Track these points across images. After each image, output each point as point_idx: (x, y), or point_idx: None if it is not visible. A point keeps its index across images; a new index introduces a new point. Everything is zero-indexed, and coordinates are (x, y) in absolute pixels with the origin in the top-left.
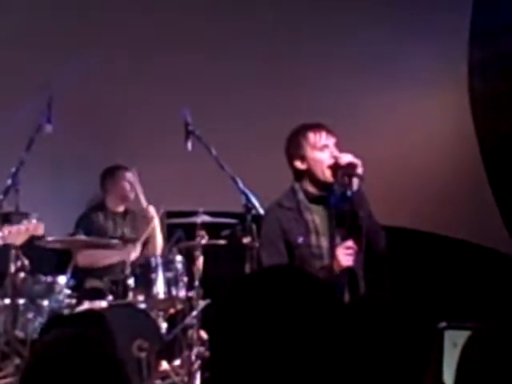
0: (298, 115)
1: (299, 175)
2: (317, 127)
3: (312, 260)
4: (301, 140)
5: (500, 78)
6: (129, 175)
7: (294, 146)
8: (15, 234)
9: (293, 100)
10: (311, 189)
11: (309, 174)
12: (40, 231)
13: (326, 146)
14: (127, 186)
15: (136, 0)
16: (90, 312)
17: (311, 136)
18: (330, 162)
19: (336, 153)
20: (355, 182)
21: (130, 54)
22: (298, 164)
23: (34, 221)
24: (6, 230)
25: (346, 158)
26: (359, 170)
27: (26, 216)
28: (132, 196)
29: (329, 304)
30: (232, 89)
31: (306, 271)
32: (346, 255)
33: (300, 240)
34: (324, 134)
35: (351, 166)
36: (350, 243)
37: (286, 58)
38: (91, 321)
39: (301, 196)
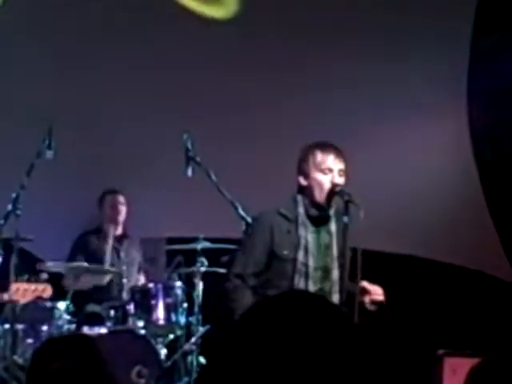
0: (298, 140)
1: (301, 190)
2: (327, 148)
3: (295, 276)
4: (308, 157)
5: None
6: (116, 198)
7: (301, 161)
8: (22, 292)
9: (294, 125)
10: (309, 207)
11: (308, 192)
12: (47, 293)
13: (330, 170)
14: (113, 210)
15: (136, 22)
16: (80, 338)
17: (318, 156)
18: (328, 186)
19: (336, 179)
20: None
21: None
22: (301, 179)
23: (44, 283)
24: (15, 287)
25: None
26: (357, 199)
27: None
28: (120, 219)
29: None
30: (232, 113)
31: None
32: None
33: (285, 253)
34: (332, 157)
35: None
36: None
37: (289, 85)
38: (83, 347)
39: (301, 209)
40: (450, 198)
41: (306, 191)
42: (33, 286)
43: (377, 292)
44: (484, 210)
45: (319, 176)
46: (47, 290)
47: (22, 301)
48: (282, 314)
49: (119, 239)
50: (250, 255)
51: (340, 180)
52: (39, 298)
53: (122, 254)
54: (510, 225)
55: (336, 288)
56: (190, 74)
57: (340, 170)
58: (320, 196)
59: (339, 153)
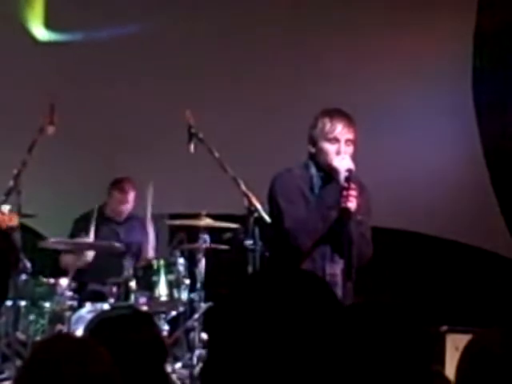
0: (299, 114)
1: (311, 157)
2: (336, 117)
3: None
4: (318, 125)
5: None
6: (125, 198)
7: (311, 128)
8: None
9: (295, 100)
10: (321, 171)
11: (315, 160)
12: (14, 222)
13: (336, 139)
14: (119, 203)
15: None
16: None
17: (327, 125)
18: (332, 158)
19: (342, 149)
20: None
21: (130, 57)
22: (310, 147)
23: (6, 211)
24: None
25: (342, 164)
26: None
27: (28, 217)
28: (125, 210)
29: (330, 306)
30: (234, 88)
31: (309, 272)
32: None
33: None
34: (340, 127)
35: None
36: (353, 186)
37: (289, 58)
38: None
39: (313, 171)
40: (453, 176)
41: (314, 159)
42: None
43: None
44: (487, 188)
45: (325, 145)
46: (13, 219)
47: None
48: (272, 293)
49: (120, 222)
50: (294, 198)
51: (347, 149)
52: (8, 228)
53: (121, 235)
54: None
55: None
56: (190, 49)
57: (347, 140)
58: (325, 164)
59: (349, 122)
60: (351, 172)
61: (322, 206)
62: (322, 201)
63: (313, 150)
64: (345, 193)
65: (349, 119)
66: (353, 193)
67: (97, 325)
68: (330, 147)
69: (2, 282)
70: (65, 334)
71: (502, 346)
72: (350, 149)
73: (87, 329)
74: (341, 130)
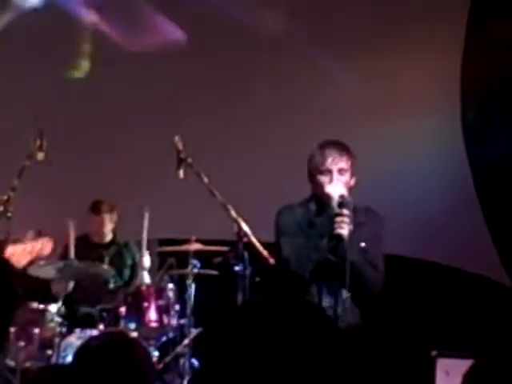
0: (291, 142)
1: (312, 191)
2: (327, 149)
3: None
4: (312, 158)
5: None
6: (99, 221)
7: (308, 162)
8: (19, 255)
9: (285, 129)
10: (318, 202)
11: (314, 192)
12: (47, 250)
13: (328, 171)
14: (96, 225)
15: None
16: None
17: (318, 157)
18: (325, 189)
19: (335, 180)
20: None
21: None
22: (309, 181)
23: (41, 240)
24: (9, 251)
25: (334, 190)
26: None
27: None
28: (105, 231)
29: (326, 333)
30: (223, 115)
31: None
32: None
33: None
34: (330, 158)
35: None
36: (345, 212)
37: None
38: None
39: (312, 206)
40: (446, 201)
41: (313, 191)
42: (29, 246)
43: None
44: (479, 214)
45: (319, 177)
46: (46, 247)
47: (22, 264)
48: (268, 318)
49: (107, 245)
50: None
51: (341, 178)
52: (39, 257)
53: (106, 260)
54: (504, 228)
55: None
56: (178, 77)
57: (340, 169)
58: (321, 196)
59: (340, 151)
60: (344, 198)
61: (315, 235)
62: (314, 230)
63: (311, 184)
64: (338, 219)
65: (340, 148)
66: (345, 219)
67: (85, 352)
68: (323, 179)
69: (8, 313)
70: (54, 364)
71: (503, 371)
72: (345, 178)
73: (75, 356)
74: (331, 161)
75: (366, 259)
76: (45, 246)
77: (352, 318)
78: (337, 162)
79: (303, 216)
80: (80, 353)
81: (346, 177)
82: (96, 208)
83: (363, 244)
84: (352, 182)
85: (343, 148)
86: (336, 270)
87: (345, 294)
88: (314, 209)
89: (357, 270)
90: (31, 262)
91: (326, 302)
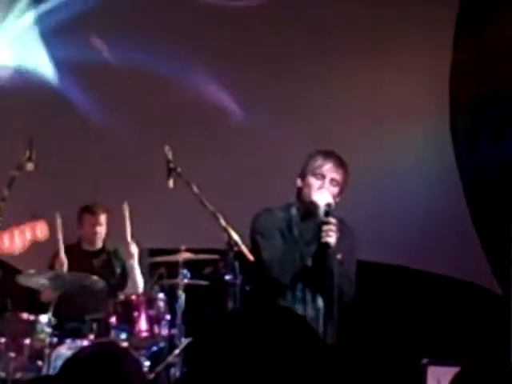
0: (279, 152)
1: (298, 192)
2: (328, 156)
3: None
4: (309, 161)
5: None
6: (95, 220)
7: (304, 164)
8: (16, 239)
9: (275, 137)
10: (302, 207)
11: (301, 194)
12: (44, 233)
13: (322, 176)
14: (91, 231)
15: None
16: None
17: (318, 160)
18: (312, 195)
19: (326, 186)
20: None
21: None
22: (298, 181)
23: (37, 222)
24: (6, 235)
25: (321, 198)
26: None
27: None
28: (98, 239)
29: (308, 343)
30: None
31: (288, 309)
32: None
33: None
34: (328, 165)
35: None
36: (332, 220)
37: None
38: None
39: (293, 211)
40: (432, 207)
41: (299, 193)
42: (26, 228)
43: None
44: (467, 220)
45: (311, 180)
46: (43, 229)
47: (18, 250)
48: (251, 330)
49: (97, 253)
50: (271, 241)
51: (331, 188)
52: (35, 240)
53: (96, 269)
54: (492, 235)
55: None
56: (168, 85)
57: (333, 179)
58: (308, 198)
59: (339, 163)
60: (330, 206)
61: (301, 241)
62: (300, 236)
63: (300, 183)
64: (324, 227)
65: (340, 161)
66: (332, 228)
67: (73, 362)
68: (314, 182)
69: None
70: (44, 375)
71: (489, 379)
72: (335, 189)
73: (65, 367)
74: (328, 168)
75: (341, 271)
76: (41, 227)
77: (330, 329)
78: (332, 172)
79: (283, 220)
80: (68, 363)
81: (336, 189)
82: (91, 208)
83: (339, 256)
84: (338, 198)
85: (343, 163)
86: (314, 277)
87: (320, 302)
88: (295, 214)
89: (335, 280)
90: (26, 245)
91: (300, 308)
